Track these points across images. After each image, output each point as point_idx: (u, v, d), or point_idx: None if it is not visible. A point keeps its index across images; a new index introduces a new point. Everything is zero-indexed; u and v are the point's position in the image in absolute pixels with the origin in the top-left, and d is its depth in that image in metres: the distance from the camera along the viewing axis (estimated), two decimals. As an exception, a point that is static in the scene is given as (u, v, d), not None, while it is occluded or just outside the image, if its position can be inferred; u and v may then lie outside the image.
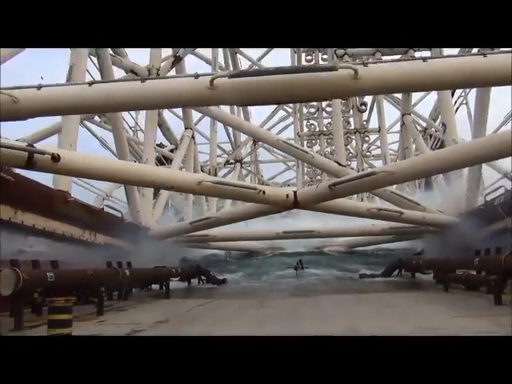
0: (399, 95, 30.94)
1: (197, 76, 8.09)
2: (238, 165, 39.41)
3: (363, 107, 34.30)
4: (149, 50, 23.25)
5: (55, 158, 11.35)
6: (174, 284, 17.88)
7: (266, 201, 15.84)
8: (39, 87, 8.38)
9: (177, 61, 24.66)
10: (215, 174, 32.26)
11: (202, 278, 21.10)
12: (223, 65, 37.31)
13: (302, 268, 23.78)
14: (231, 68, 37.85)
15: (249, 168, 46.57)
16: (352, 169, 29.65)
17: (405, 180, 18.69)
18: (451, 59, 8.08)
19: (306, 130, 38.85)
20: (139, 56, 25.94)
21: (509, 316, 7.46)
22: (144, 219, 20.40)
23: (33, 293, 9.31)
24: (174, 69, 25.47)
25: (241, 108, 35.76)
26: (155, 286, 17.22)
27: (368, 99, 35.75)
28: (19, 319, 8.27)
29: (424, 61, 7.72)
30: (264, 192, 15.30)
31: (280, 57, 39.32)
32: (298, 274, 23.06)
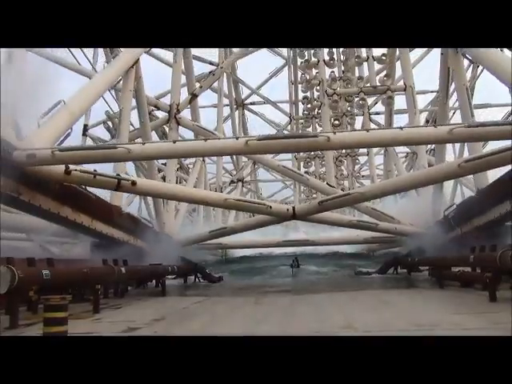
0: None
1: (237, 138, 15.06)
2: (240, 183, 46.25)
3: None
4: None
5: (134, 183, 17.60)
6: (170, 282, 19.38)
7: (272, 213, 21.91)
8: (143, 143, 15.30)
9: (193, 97, 30.54)
10: (221, 192, 38.77)
11: (198, 275, 23.38)
12: (227, 92, 44.82)
13: (297, 266, 26.85)
14: (233, 94, 46.21)
15: (249, 186, 53.18)
16: (342, 190, 35.56)
17: (372, 198, 24.66)
18: (382, 130, 15.21)
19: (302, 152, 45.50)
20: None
21: (503, 313, 7.85)
22: (168, 229, 26.34)
23: (28, 291, 9.67)
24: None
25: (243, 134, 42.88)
26: (151, 284, 19.15)
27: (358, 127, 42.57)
28: (14, 317, 8.60)
29: (367, 131, 14.82)
30: (271, 207, 21.66)
31: (278, 87, 46.82)
32: (294, 272, 25.79)
